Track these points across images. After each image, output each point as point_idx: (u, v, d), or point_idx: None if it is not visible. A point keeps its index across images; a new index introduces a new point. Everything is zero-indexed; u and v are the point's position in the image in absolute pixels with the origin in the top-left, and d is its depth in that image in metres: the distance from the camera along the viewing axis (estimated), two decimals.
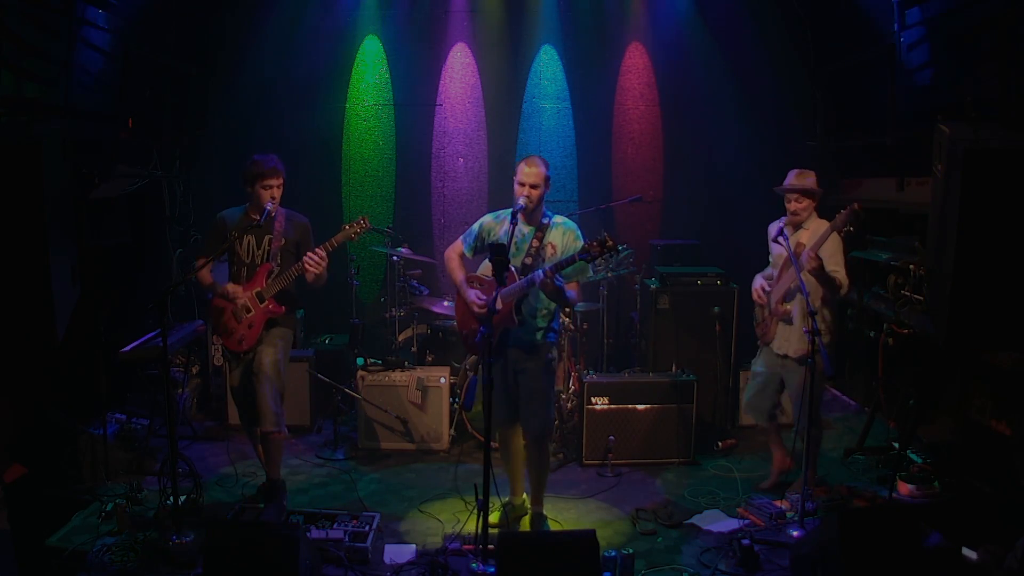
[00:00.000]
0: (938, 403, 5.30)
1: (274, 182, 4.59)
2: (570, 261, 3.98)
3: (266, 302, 4.61)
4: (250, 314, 4.61)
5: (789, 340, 4.75)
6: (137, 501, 4.63)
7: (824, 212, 4.79)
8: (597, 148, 7.39)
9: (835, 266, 4.54)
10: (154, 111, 6.23)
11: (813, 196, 4.68)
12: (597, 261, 4.18)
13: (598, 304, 6.34)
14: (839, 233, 4.51)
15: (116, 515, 4.34)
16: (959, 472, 4.82)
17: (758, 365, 5.00)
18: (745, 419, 6.06)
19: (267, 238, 4.66)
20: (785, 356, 4.78)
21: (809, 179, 4.70)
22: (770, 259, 5.00)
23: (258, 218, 4.58)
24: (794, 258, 4.48)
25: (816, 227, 4.67)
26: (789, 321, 4.74)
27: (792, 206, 4.70)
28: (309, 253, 4.46)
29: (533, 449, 4.49)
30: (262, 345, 4.63)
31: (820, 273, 4.43)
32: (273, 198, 4.58)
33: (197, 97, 6.84)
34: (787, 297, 4.73)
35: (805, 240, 4.62)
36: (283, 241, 4.65)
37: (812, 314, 4.25)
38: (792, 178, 4.74)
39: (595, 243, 3.90)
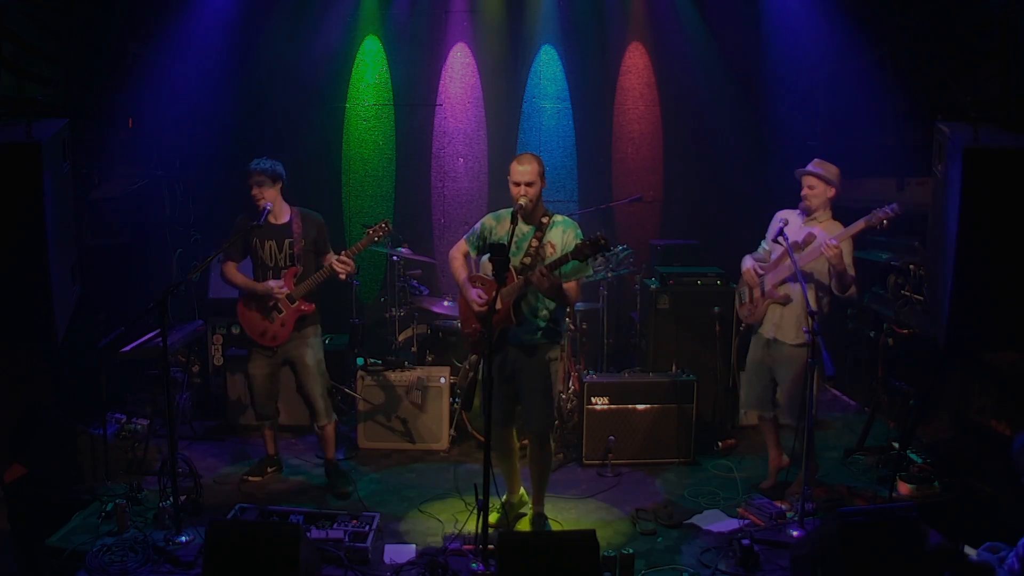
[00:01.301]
0: (938, 403, 5.30)
1: (251, 181, 4.75)
2: (563, 260, 3.99)
3: (296, 302, 4.83)
4: (282, 314, 4.84)
5: (782, 324, 4.70)
6: (137, 501, 4.63)
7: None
8: (597, 148, 7.39)
9: (849, 265, 4.50)
10: (154, 111, 6.23)
11: (827, 182, 4.65)
12: (597, 260, 4.18)
13: (598, 304, 6.33)
14: (870, 225, 4.44)
15: (116, 515, 4.34)
16: (959, 472, 4.82)
17: (753, 354, 4.96)
18: (745, 419, 6.07)
19: (287, 241, 4.85)
20: (775, 340, 4.74)
21: (829, 169, 4.68)
22: (760, 249, 4.96)
23: (273, 221, 4.81)
24: (793, 257, 4.46)
25: (829, 226, 4.64)
26: (784, 302, 4.69)
27: (804, 191, 4.69)
28: (338, 259, 4.74)
29: (535, 448, 4.48)
30: (301, 347, 4.92)
31: (839, 262, 4.37)
32: (262, 197, 4.77)
33: (197, 97, 6.84)
34: (784, 283, 4.70)
35: (816, 231, 4.58)
36: (303, 242, 4.87)
37: (812, 315, 4.24)
38: (811, 165, 4.73)
39: (587, 241, 3.90)
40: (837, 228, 4.61)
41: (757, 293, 4.86)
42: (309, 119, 7.10)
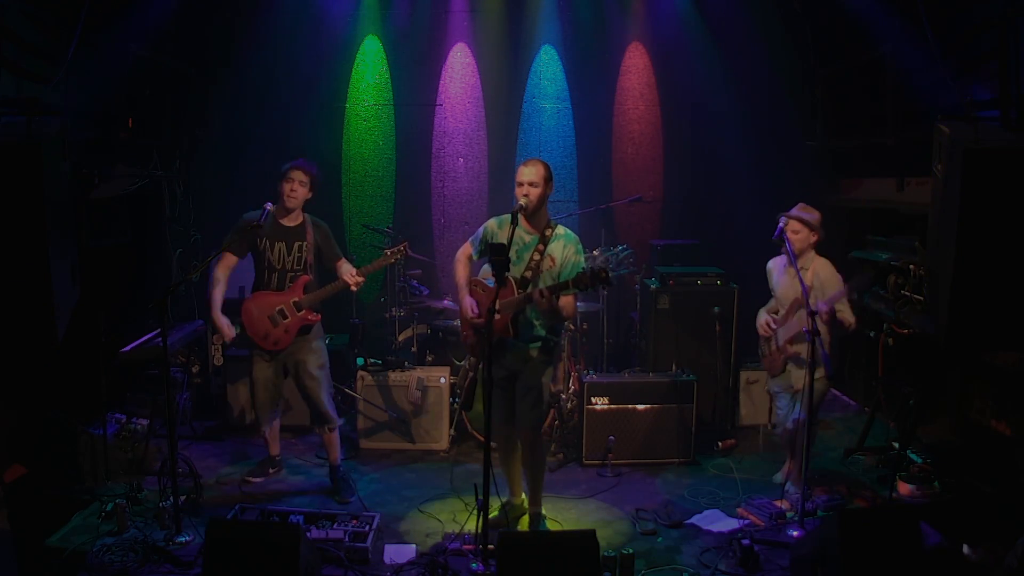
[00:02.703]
0: (938, 403, 5.30)
1: (295, 175, 4.80)
2: (563, 287, 4.01)
3: (303, 311, 4.82)
4: (287, 320, 4.82)
5: (802, 378, 4.70)
6: (137, 501, 4.64)
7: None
8: (597, 148, 7.38)
9: (843, 308, 4.61)
10: (154, 111, 6.23)
11: (811, 228, 4.71)
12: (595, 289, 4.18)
13: (598, 304, 6.33)
14: (848, 296, 4.60)
15: (116, 515, 4.34)
16: (959, 472, 4.82)
17: (777, 387, 4.96)
18: (745, 419, 6.09)
19: (297, 244, 4.85)
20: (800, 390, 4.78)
21: (810, 214, 4.74)
22: (772, 290, 4.98)
23: (285, 223, 4.84)
24: (794, 260, 4.50)
25: (817, 266, 4.72)
26: (799, 363, 4.74)
27: (788, 234, 4.71)
28: (350, 276, 4.75)
29: (525, 448, 4.48)
30: (305, 352, 4.91)
31: (833, 324, 4.59)
32: (293, 191, 4.80)
33: (197, 97, 6.84)
34: (796, 339, 4.74)
35: (807, 280, 4.63)
36: (313, 252, 4.90)
37: (812, 314, 4.26)
38: (795, 209, 4.78)
39: (588, 274, 3.90)
40: (826, 267, 4.71)
41: (773, 346, 4.92)
42: (309, 119, 7.10)
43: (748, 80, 6.97)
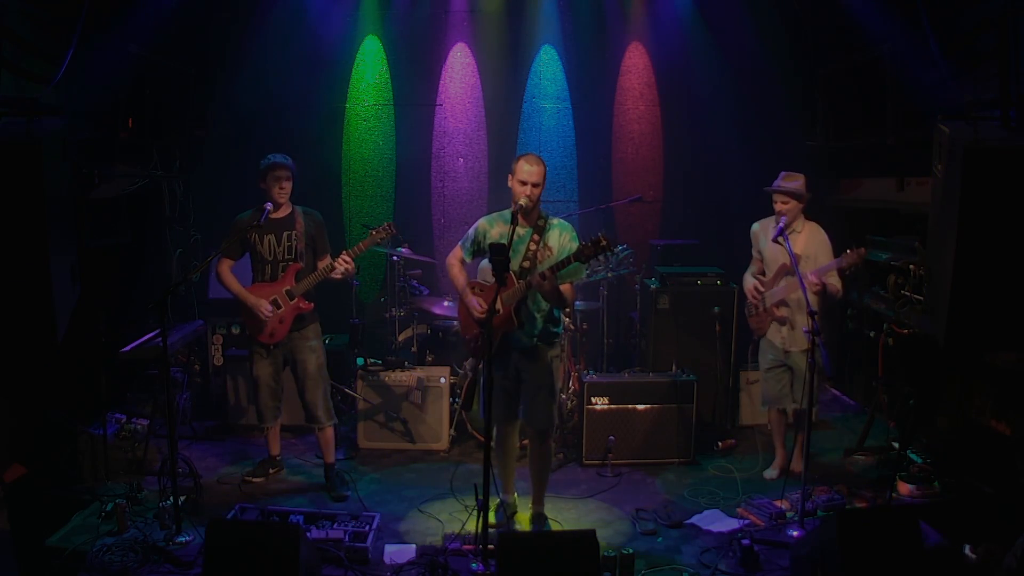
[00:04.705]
0: (938, 403, 5.30)
1: (279, 174, 4.81)
2: (565, 262, 4.02)
3: (296, 299, 4.84)
4: (280, 310, 4.85)
5: (793, 338, 4.96)
6: (137, 501, 4.63)
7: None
8: (597, 148, 7.38)
9: (832, 280, 4.82)
10: (154, 111, 6.23)
11: (799, 198, 4.90)
12: (597, 260, 4.20)
13: (598, 304, 6.33)
14: (840, 267, 4.78)
15: (116, 515, 4.34)
16: (959, 472, 4.82)
17: (767, 358, 5.15)
18: (745, 419, 6.09)
19: (286, 234, 4.87)
20: (789, 351, 5.02)
21: (795, 182, 4.92)
22: (756, 255, 5.19)
23: (273, 216, 4.84)
24: (795, 263, 4.56)
25: (809, 232, 4.94)
26: (784, 323, 5.00)
27: (778, 206, 4.95)
28: (340, 259, 4.74)
29: (536, 446, 4.49)
30: (303, 350, 4.93)
31: (822, 294, 4.77)
32: (284, 192, 4.85)
33: (197, 97, 6.83)
34: (782, 304, 4.99)
35: (801, 247, 4.85)
36: (304, 240, 4.90)
37: (812, 314, 4.27)
38: (779, 180, 4.98)
39: (589, 243, 3.93)
40: (817, 233, 4.93)
41: (760, 309, 5.14)
42: (309, 119, 7.09)
43: (748, 80, 6.97)
